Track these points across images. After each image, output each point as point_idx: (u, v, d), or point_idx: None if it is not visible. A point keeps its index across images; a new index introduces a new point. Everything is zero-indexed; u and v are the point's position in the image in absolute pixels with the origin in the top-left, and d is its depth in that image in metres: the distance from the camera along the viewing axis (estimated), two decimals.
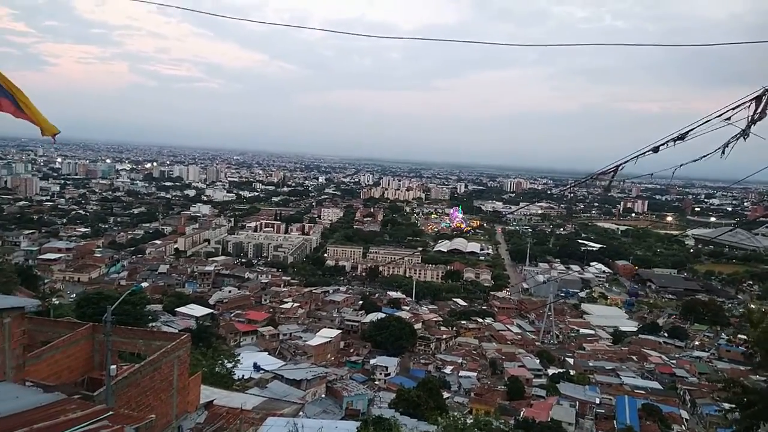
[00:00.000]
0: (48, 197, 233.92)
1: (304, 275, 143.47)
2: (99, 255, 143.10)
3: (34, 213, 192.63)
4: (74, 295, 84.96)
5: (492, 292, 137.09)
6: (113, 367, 14.07)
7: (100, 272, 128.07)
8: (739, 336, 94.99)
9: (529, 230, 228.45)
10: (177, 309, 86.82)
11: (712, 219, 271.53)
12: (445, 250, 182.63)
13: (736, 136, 6.37)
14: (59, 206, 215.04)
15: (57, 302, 62.43)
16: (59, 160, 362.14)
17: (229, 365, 40.44)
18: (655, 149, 6.64)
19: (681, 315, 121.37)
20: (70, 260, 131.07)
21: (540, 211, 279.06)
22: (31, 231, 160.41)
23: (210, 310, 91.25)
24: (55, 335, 16.58)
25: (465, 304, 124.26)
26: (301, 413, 31.34)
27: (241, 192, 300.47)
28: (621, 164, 7.00)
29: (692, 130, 6.46)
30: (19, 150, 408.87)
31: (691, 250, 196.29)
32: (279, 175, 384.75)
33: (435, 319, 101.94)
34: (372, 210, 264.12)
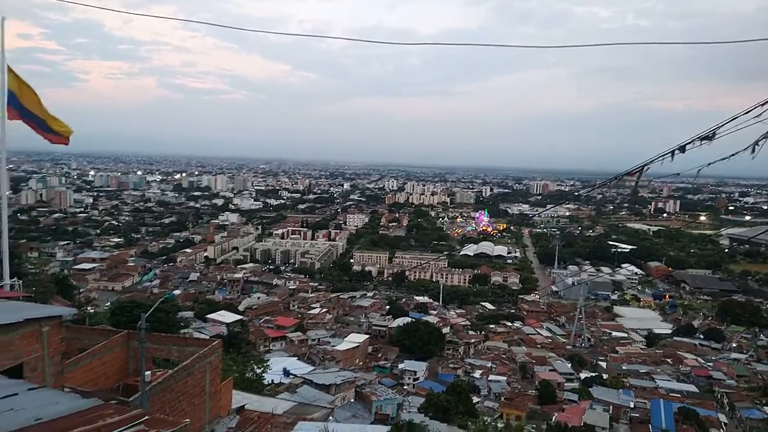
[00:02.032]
0: (82, 209, 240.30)
1: (331, 281, 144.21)
2: (132, 264, 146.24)
3: (68, 224, 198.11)
4: (109, 303, 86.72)
5: (520, 296, 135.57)
6: (148, 372, 14.39)
7: (133, 281, 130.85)
8: None
9: (557, 232, 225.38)
10: (208, 316, 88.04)
11: (747, 218, 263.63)
12: (472, 254, 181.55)
13: (765, 134, 6.18)
14: (93, 217, 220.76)
15: (92, 311, 64.06)
16: (92, 173, 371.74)
17: (259, 370, 40.88)
18: (682, 149, 6.52)
19: (717, 316, 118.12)
20: (104, 270, 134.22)
21: (568, 213, 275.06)
22: (66, 242, 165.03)
23: (240, 317, 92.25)
24: (91, 343, 17.04)
25: (493, 307, 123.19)
26: (330, 418, 31.46)
27: (267, 200, 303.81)
28: (647, 165, 6.90)
29: (719, 128, 6.33)
30: (53, 164, 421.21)
31: (726, 250, 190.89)
32: (305, 182, 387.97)
33: (463, 323, 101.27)
34: (397, 215, 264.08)
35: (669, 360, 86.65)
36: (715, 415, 61.07)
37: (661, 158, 6.66)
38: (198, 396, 16.48)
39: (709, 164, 6.81)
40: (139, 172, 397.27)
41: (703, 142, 6.38)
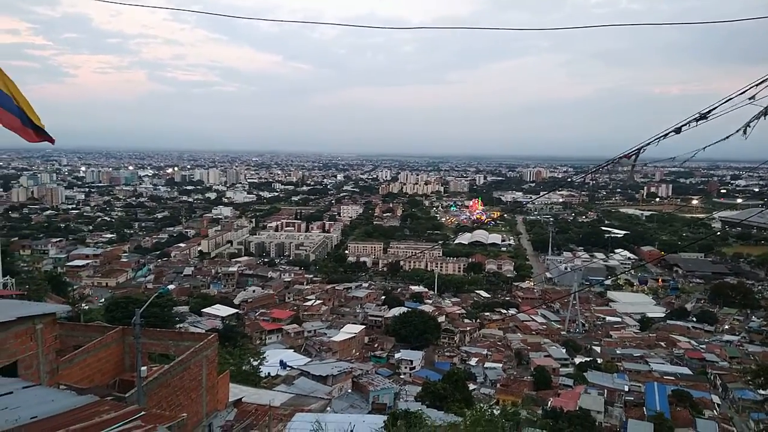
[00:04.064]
0: (74, 206, 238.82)
1: (326, 272, 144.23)
2: (125, 260, 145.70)
3: (60, 221, 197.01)
4: (103, 299, 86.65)
5: (515, 283, 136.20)
6: (144, 368, 14.34)
7: (127, 277, 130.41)
8: None
9: (551, 219, 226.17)
10: (203, 310, 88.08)
11: (739, 200, 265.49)
12: (466, 243, 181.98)
13: (757, 115, 6.17)
14: (85, 214, 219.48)
15: (87, 307, 63.85)
16: (83, 168, 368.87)
17: (256, 363, 40.95)
18: (677, 130, 6.49)
19: (709, 299, 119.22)
20: (97, 266, 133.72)
21: (561, 200, 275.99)
22: (58, 239, 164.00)
23: (235, 310, 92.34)
24: (86, 339, 16.95)
25: (488, 295, 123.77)
26: (328, 408, 31.59)
27: (261, 193, 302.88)
28: (643, 147, 6.87)
29: (714, 109, 6.30)
30: (44, 160, 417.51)
31: (718, 233, 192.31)
32: (298, 174, 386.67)
33: (458, 311, 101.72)
34: (391, 205, 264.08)
35: (662, 343, 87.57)
36: (709, 396, 61.88)
37: (656, 140, 6.63)
38: (195, 390, 16.46)
39: (704, 148, 6.79)
40: (131, 167, 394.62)
41: (698, 122, 6.35)
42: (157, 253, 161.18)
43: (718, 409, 59.55)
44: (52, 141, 9.56)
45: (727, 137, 6.49)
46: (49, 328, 10.37)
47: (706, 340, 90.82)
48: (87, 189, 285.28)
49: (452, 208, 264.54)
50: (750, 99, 6.21)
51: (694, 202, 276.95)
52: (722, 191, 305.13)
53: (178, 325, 62.12)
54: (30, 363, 9.88)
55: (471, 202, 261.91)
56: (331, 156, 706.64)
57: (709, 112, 6.30)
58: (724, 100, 6.20)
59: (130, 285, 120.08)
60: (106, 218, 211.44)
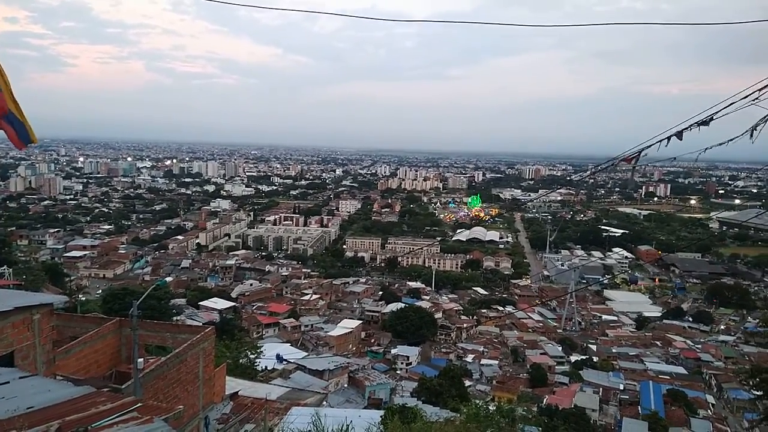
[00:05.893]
0: (71, 196, 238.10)
1: (323, 267, 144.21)
2: (123, 251, 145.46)
3: (58, 212, 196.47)
4: (100, 291, 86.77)
5: (512, 281, 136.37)
6: (140, 360, 14.35)
7: (124, 268, 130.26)
8: None
9: (549, 217, 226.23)
10: (200, 302, 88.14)
11: (737, 201, 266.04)
12: (464, 240, 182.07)
13: (764, 118, 6.10)
14: (83, 204, 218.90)
15: (84, 298, 63.94)
16: (81, 159, 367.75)
17: (253, 357, 41.02)
18: (679, 135, 6.44)
19: (706, 299, 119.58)
20: (95, 257, 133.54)
21: (559, 198, 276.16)
22: (56, 229, 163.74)
23: (232, 303, 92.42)
24: (83, 330, 16.93)
25: (485, 292, 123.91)
26: (324, 403, 31.69)
27: (259, 186, 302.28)
28: (643, 150, 6.84)
29: (717, 113, 6.24)
30: (42, 150, 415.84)
31: (716, 234, 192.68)
32: (296, 168, 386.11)
33: (455, 308, 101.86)
34: (389, 201, 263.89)
35: (658, 342, 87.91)
36: (703, 396, 62.18)
37: (657, 143, 6.60)
38: (191, 383, 16.47)
39: (707, 149, 6.77)
40: (129, 159, 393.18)
41: (700, 126, 6.30)
42: (155, 245, 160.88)
43: (712, 408, 59.82)
44: (21, 147, 9.20)
45: (732, 140, 6.44)
46: (46, 318, 10.36)
47: (701, 340, 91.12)
48: (85, 180, 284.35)
49: (450, 205, 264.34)
50: (754, 101, 6.18)
51: (693, 202, 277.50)
52: (720, 192, 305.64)
53: (175, 318, 62.17)
54: (27, 353, 9.87)
55: (467, 204, 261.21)
56: (330, 150, 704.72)
57: (711, 117, 6.24)
58: (726, 104, 6.15)
59: (127, 277, 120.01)
60: (103, 209, 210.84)
